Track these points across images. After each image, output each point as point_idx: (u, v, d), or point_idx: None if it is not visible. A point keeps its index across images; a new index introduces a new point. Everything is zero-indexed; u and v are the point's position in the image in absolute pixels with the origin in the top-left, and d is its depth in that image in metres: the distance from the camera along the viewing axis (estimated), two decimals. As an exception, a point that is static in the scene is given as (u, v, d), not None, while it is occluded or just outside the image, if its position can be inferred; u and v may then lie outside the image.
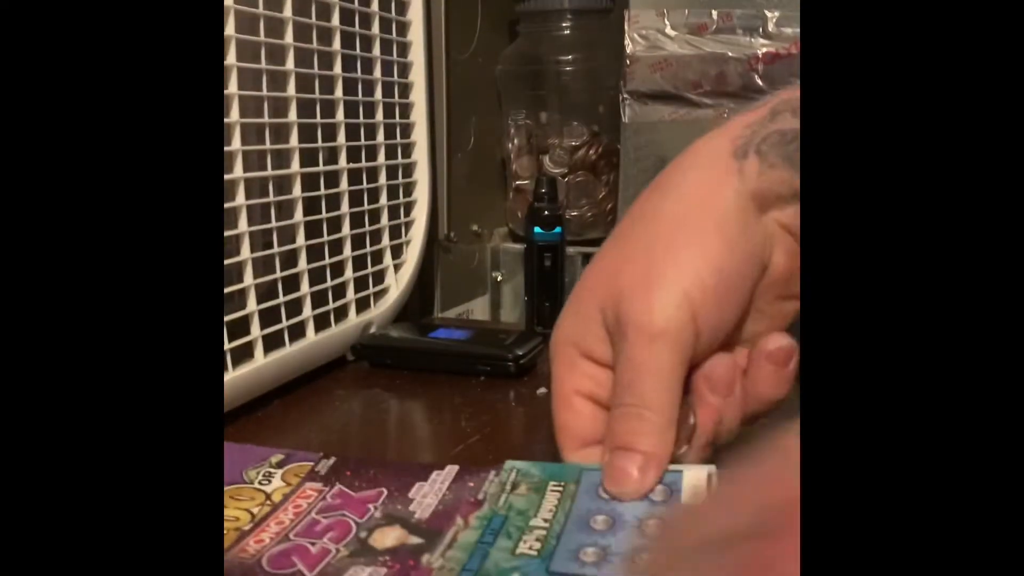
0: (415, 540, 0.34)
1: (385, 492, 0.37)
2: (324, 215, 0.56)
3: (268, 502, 0.37)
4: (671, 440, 0.34)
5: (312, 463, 0.40)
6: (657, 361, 0.33)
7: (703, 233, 0.34)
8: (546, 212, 0.70)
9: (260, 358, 0.50)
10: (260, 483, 0.39)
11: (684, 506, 0.33)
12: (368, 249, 0.62)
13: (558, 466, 0.37)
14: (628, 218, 0.37)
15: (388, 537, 0.34)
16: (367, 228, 0.62)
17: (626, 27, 0.70)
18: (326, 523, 0.36)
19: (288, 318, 0.53)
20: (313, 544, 0.34)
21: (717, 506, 0.29)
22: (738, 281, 0.34)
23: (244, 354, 0.49)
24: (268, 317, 0.51)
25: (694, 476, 0.34)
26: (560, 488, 0.35)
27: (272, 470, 0.40)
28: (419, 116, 0.67)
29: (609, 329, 0.35)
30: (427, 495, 0.37)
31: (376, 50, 0.61)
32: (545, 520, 0.34)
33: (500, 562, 0.31)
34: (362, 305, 0.62)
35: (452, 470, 0.38)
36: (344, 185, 0.59)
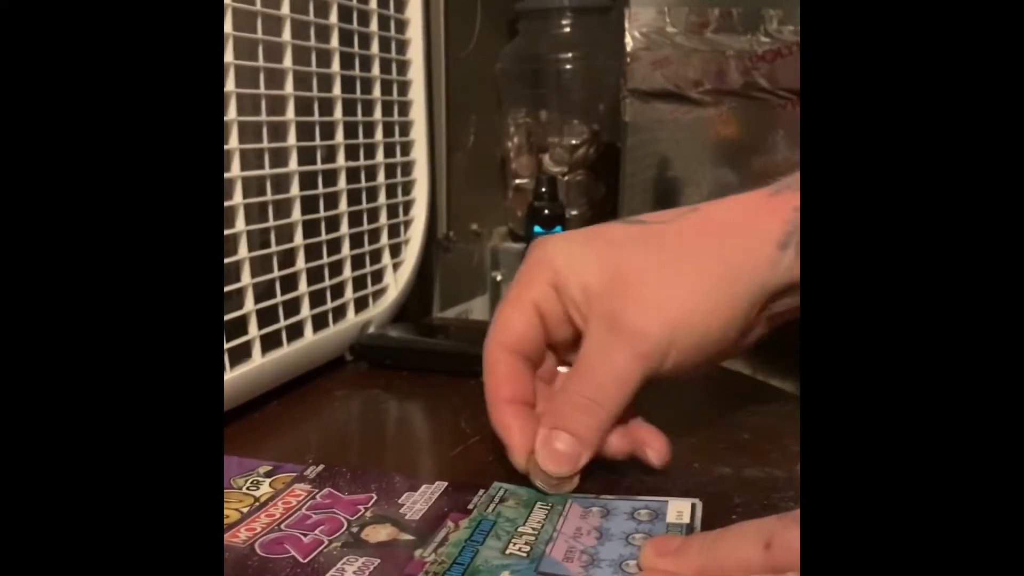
0: (407, 537, 0.34)
1: (375, 497, 0.38)
2: (322, 214, 0.56)
3: (257, 503, 0.37)
4: (604, 437, 0.38)
5: (300, 471, 0.40)
6: (631, 372, 0.36)
7: (718, 303, 0.36)
8: (546, 211, 0.70)
9: (258, 358, 0.50)
10: (248, 489, 0.39)
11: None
12: (367, 248, 0.62)
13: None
14: (657, 228, 0.39)
15: (380, 533, 0.35)
16: (365, 227, 0.61)
17: (626, 25, 0.70)
18: (317, 518, 0.36)
19: (286, 318, 0.52)
20: (305, 535, 0.34)
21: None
22: (712, 352, 0.38)
23: (242, 354, 0.49)
24: (266, 317, 0.51)
25: (679, 504, 0.35)
26: (547, 507, 0.36)
27: (260, 479, 0.40)
28: (418, 114, 0.67)
29: (578, 303, 0.38)
30: (417, 502, 0.37)
31: (374, 48, 0.61)
32: (533, 529, 0.34)
33: (490, 559, 0.32)
34: (361, 305, 0.61)
35: (441, 485, 0.39)
36: (342, 184, 0.58)
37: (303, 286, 0.54)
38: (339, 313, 0.59)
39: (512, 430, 0.38)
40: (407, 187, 0.67)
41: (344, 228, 0.59)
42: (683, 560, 0.30)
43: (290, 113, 0.52)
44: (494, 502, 0.36)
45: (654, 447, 0.39)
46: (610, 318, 0.37)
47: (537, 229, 0.70)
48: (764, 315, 0.38)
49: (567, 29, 0.88)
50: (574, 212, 0.86)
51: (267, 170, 0.50)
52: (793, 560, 0.27)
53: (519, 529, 0.34)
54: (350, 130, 0.59)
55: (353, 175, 0.60)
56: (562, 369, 0.41)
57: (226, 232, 0.47)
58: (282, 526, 0.35)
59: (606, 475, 0.39)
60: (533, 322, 0.39)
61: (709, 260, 0.37)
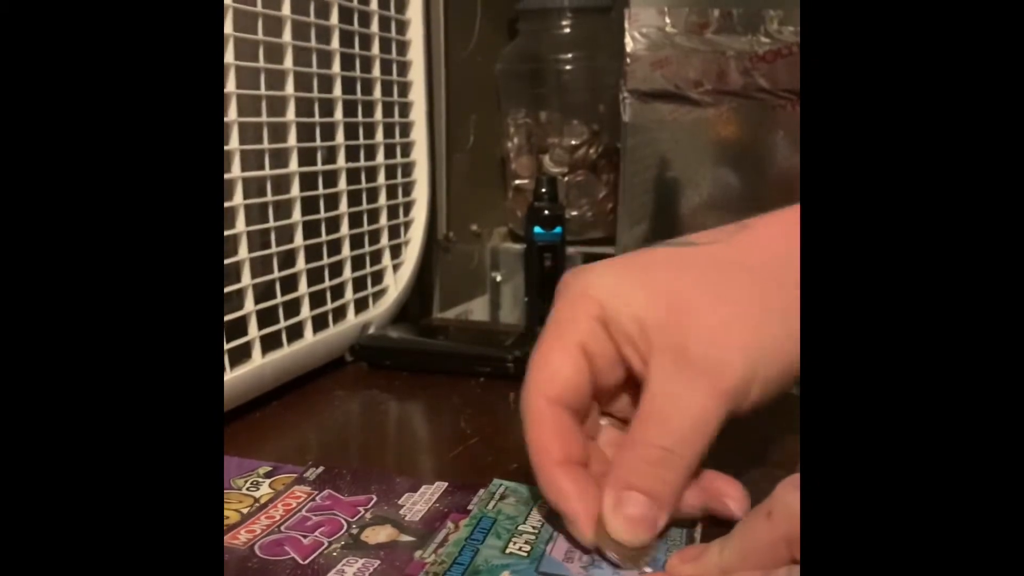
0: (407, 538, 0.34)
1: (375, 498, 0.38)
2: (322, 215, 0.56)
3: (256, 504, 0.37)
4: (683, 493, 0.33)
5: (300, 472, 0.40)
6: (712, 413, 0.32)
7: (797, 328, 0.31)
8: (546, 211, 0.70)
9: (258, 359, 0.50)
10: (248, 490, 0.39)
11: None
12: (367, 249, 0.62)
13: None
14: (709, 249, 0.35)
15: (380, 534, 0.35)
16: (366, 228, 0.61)
17: (626, 25, 0.70)
18: (317, 520, 0.36)
19: (286, 318, 0.52)
20: (305, 537, 0.34)
21: None
22: (788, 386, 0.34)
23: (242, 355, 0.49)
24: (266, 317, 0.51)
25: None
26: (547, 506, 0.35)
27: (260, 479, 0.40)
28: (418, 115, 0.67)
29: (633, 338, 0.33)
30: (417, 503, 0.37)
31: (375, 48, 0.61)
32: (534, 528, 0.34)
33: (490, 559, 0.32)
34: (361, 305, 0.62)
35: (441, 486, 0.39)
36: (343, 184, 0.58)
37: (303, 287, 0.55)
38: (339, 314, 0.59)
39: (571, 497, 0.32)
40: (407, 188, 0.67)
41: (344, 229, 0.59)
42: (705, 559, 0.30)
43: (291, 114, 0.52)
44: (494, 499, 0.36)
45: (733, 496, 0.34)
46: (678, 352, 0.32)
47: (537, 229, 0.70)
48: None
49: (567, 29, 0.88)
50: (574, 212, 0.86)
51: (267, 171, 0.51)
52: (794, 525, 0.26)
53: (519, 528, 0.34)
54: (350, 131, 0.59)
55: (353, 176, 0.60)
56: (604, 422, 0.37)
57: (226, 233, 0.47)
58: (282, 528, 0.35)
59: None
60: (581, 367, 0.34)
61: (778, 283, 0.33)
